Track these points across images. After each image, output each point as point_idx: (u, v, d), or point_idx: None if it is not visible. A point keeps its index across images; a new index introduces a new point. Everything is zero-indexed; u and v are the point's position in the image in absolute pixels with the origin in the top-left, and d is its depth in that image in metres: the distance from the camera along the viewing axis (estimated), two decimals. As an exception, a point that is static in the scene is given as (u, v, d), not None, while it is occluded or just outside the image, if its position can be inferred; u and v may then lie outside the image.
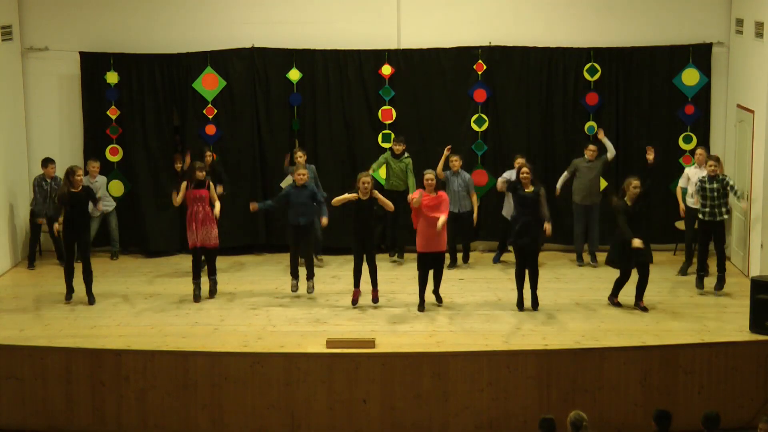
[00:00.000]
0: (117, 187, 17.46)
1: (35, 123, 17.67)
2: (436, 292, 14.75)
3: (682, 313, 14.27)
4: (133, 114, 17.50)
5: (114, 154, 17.52)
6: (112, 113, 17.43)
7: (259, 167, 17.60)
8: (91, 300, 14.92)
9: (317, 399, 12.93)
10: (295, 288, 15.14)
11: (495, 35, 17.31)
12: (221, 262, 16.12)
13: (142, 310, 14.69)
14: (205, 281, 15.19)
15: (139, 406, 13.04)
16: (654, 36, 17.23)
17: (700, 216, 15.04)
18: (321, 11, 17.41)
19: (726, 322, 13.89)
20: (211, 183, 15.09)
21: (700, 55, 17.19)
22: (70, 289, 14.98)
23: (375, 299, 14.71)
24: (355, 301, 14.69)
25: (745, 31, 16.37)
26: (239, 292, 15.48)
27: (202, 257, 15.19)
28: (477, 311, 14.50)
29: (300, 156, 16.33)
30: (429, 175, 14.61)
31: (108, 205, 17.15)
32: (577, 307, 14.57)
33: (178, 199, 14.91)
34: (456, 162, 16.48)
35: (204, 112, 17.43)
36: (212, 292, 15.12)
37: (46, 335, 13.57)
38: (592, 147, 16.59)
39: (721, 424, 10.77)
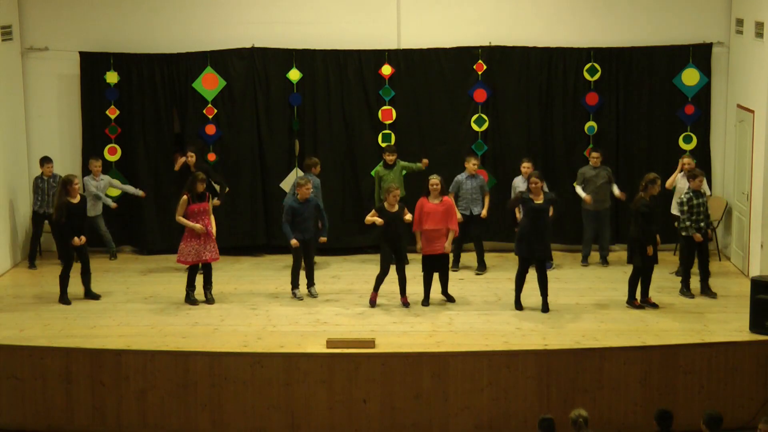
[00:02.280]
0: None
1: (35, 123, 17.68)
2: (445, 293, 14.80)
3: (682, 313, 14.27)
4: (132, 114, 17.51)
5: (112, 154, 17.53)
6: (112, 113, 17.43)
7: (259, 167, 17.59)
8: (93, 296, 14.99)
9: (317, 399, 12.93)
10: (299, 296, 15.11)
11: (495, 35, 17.31)
12: (222, 261, 16.10)
13: (142, 310, 14.68)
14: (200, 292, 15.11)
15: (139, 406, 13.04)
16: (654, 36, 17.24)
17: (684, 233, 14.94)
18: (321, 11, 17.41)
19: (726, 322, 13.88)
20: (210, 195, 15.04)
21: (700, 55, 17.20)
22: (64, 293, 15.02)
23: (406, 304, 14.69)
24: (373, 303, 14.67)
25: (745, 31, 16.37)
26: (239, 292, 15.48)
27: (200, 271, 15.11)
28: (477, 311, 14.50)
29: (315, 166, 16.34)
30: (434, 179, 14.64)
31: (95, 211, 17.05)
32: (577, 307, 14.57)
33: (179, 216, 14.78)
34: (474, 165, 16.38)
35: (204, 112, 17.43)
36: (211, 301, 15.02)
37: (46, 335, 13.57)
38: (594, 154, 16.57)
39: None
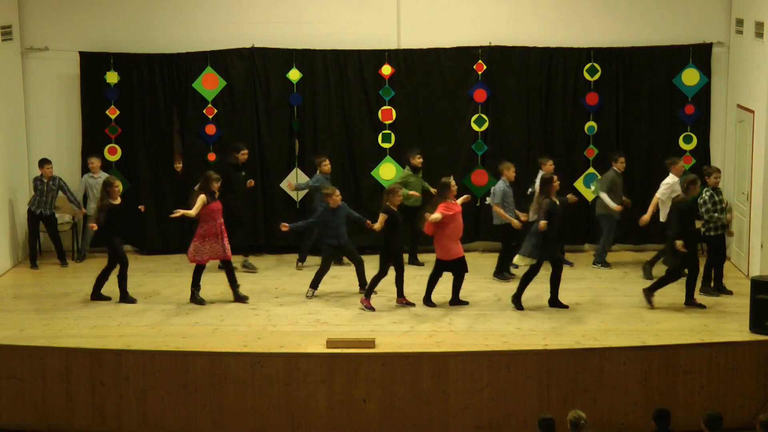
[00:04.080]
0: (116, 187, 17.47)
1: (35, 123, 17.68)
2: (455, 300, 14.73)
3: (682, 313, 14.27)
4: (132, 114, 17.51)
5: (113, 154, 17.53)
6: (112, 113, 17.44)
7: (259, 167, 17.58)
8: (129, 299, 14.95)
9: (317, 399, 12.93)
10: (309, 296, 15.17)
11: (495, 35, 17.31)
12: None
13: (142, 310, 14.68)
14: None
15: (139, 406, 13.04)
16: (654, 36, 17.24)
17: (713, 233, 14.88)
18: (321, 11, 17.41)
19: (726, 322, 13.89)
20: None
21: (700, 55, 17.20)
22: (124, 293, 15.00)
23: (410, 303, 14.71)
24: (372, 308, 14.63)
25: (745, 31, 16.37)
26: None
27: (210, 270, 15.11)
28: (477, 311, 14.50)
29: (326, 164, 16.36)
30: (454, 181, 14.61)
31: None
32: (577, 307, 14.56)
33: (193, 213, 14.70)
34: (514, 172, 16.03)
35: (204, 112, 17.43)
36: (244, 299, 15.00)
37: (46, 335, 13.57)
38: (621, 159, 16.53)
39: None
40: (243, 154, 16.62)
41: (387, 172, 17.35)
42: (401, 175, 16.61)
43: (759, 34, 15.62)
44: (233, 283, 15.04)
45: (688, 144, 17.30)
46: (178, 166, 17.51)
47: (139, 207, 16.71)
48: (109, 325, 14.04)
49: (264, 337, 13.53)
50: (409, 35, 17.43)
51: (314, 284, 15.22)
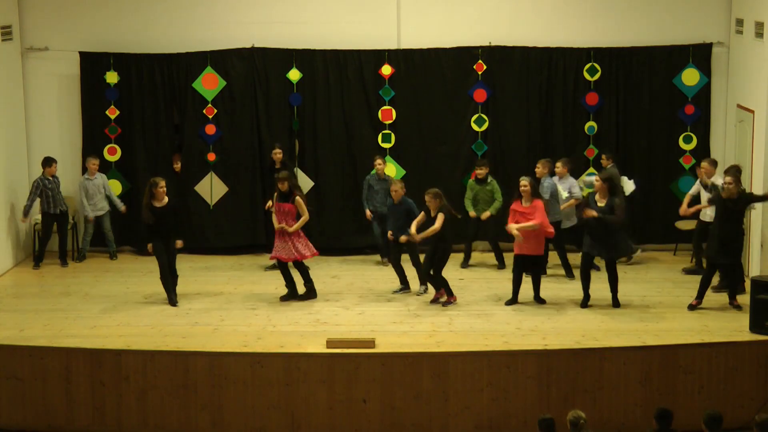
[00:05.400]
0: (115, 187, 17.46)
1: (35, 123, 17.68)
2: (537, 297, 14.76)
3: (682, 313, 14.27)
4: (132, 114, 17.52)
5: (112, 154, 17.53)
6: (112, 113, 17.44)
7: (259, 167, 17.58)
8: (173, 301, 14.81)
9: (317, 399, 12.93)
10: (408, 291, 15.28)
11: (495, 35, 17.31)
12: (222, 261, 16.14)
13: (142, 310, 14.68)
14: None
15: (139, 406, 13.04)
16: (654, 36, 17.24)
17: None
18: (321, 11, 17.41)
19: (726, 322, 13.88)
20: (299, 196, 14.74)
21: (700, 55, 17.20)
22: (172, 295, 14.86)
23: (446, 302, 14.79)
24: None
25: (745, 31, 16.37)
26: (239, 292, 15.47)
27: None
28: (477, 311, 14.50)
29: (380, 163, 16.49)
30: (524, 181, 14.62)
31: (100, 210, 17.06)
32: (577, 307, 14.56)
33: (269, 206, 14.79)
34: (543, 169, 16.15)
35: (204, 112, 17.43)
36: (314, 294, 15.05)
37: (46, 335, 13.56)
38: (603, 156, 16.66)
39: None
40: (275, 154, 16.54)
41: (387, 172, 17.33)
42: (469, 184, 16.56)
43: (759, 34, 15.62)
44: (306, 281, 15.05)
45: (688, 144, 17.30)
46: (177, 166, 17.52)
47: (122, 208, 16.44)
48: (109, 325, 14.04)
49: (264, 337, 13.53)
50: (409, 35, 17.44)
51: (404, 280, 15.28)
